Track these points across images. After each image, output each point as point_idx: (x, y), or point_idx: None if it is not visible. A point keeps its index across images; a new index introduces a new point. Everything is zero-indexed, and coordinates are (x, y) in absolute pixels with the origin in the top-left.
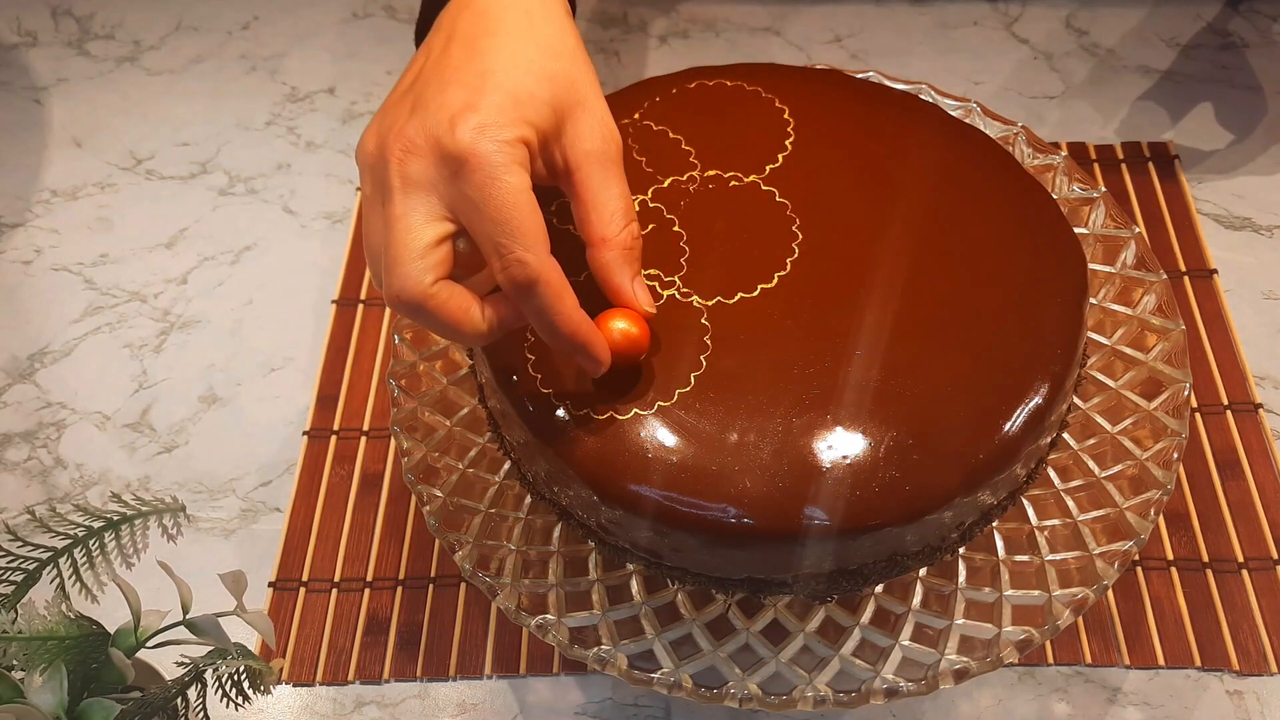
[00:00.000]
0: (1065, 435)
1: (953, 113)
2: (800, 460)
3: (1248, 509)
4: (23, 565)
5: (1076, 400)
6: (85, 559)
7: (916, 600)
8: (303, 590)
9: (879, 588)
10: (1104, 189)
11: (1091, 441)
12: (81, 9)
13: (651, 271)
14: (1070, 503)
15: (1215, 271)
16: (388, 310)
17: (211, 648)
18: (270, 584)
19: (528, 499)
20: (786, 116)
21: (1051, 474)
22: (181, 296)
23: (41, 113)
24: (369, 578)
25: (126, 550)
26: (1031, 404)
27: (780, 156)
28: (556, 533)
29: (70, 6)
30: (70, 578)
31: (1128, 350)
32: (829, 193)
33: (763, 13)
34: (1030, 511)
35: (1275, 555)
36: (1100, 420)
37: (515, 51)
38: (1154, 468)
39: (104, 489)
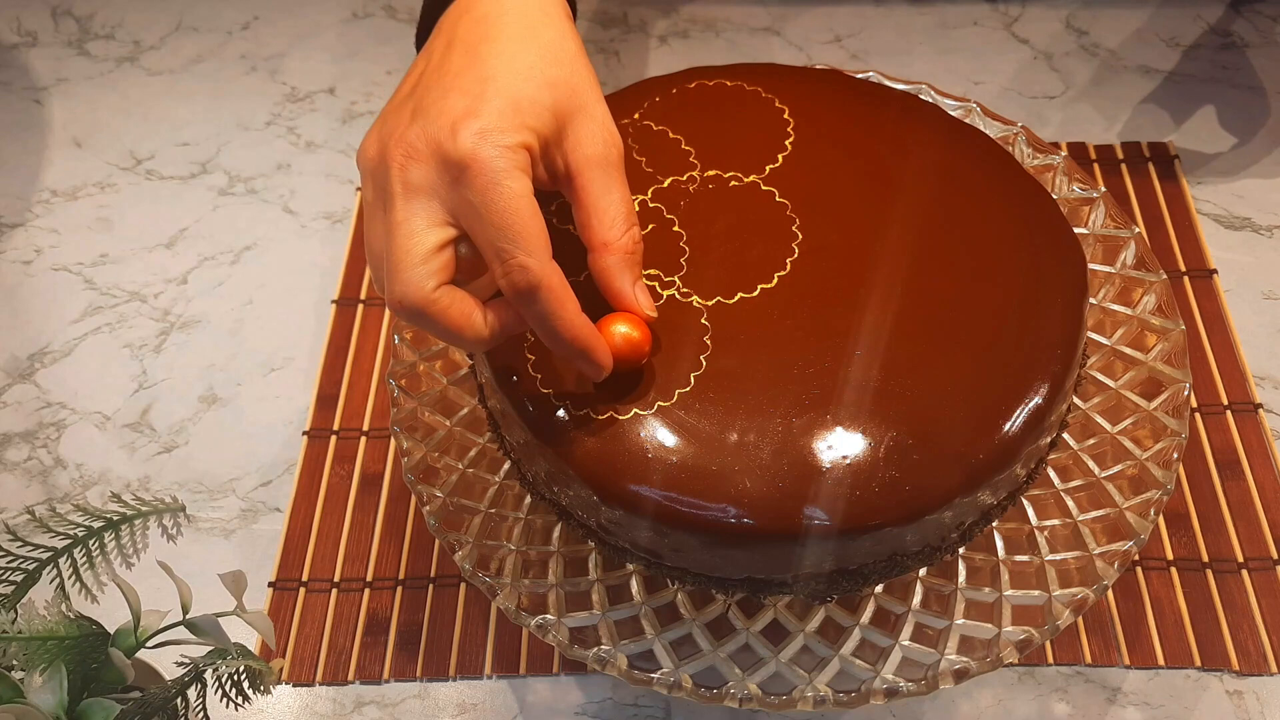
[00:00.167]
0: (1065, 435)
1: (953, 113)
2: (800, 460)
3: (1248, 509)
4: (23, 565)
5: (1076, 400)
6: (85, 559)
7: (916, 600)
8: (303, 590)
9: (879, 588)
10: (1104, 189)
11: (1091, 441)
12: (81, 9)
13: (651, 271)
14: (1070, 503)
15: (1215, 271)
16: (388, 310)
17: (211, 648)
18: (270, 584)
19: (528, 499)
20: (786, 116)
21: (1051, 474)
22: (181, 296)
23: (41, 113)
24: (369, 578)
25: (126, 550)
26: (1031, 404)
27: (780, 156)
28: (556, 533)
29: (70, 6)
30: (70, 578)
31: (1128, 350)
32: (829, 193)
33: (763, 13)
34: (1030, 511)
35: (1275, 555)
36: (1100, 420)
37: (516, 57)
38: (1154, 468)
39: (104, 489)
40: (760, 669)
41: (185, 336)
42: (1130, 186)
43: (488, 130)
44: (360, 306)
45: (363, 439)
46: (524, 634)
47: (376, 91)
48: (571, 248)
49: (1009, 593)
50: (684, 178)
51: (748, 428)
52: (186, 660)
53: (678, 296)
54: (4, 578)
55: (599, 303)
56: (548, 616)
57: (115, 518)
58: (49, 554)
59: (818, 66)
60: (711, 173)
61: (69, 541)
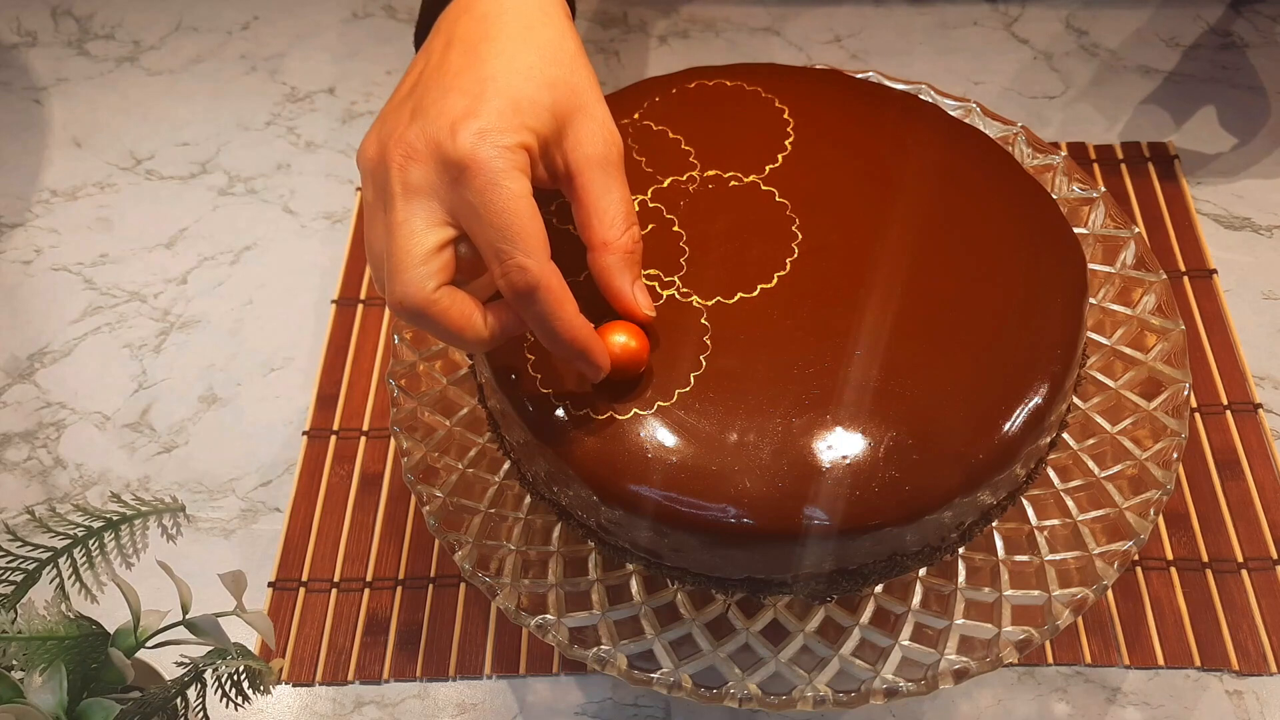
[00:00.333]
0: (1065, 435)
1: (952, 113)
2: (800, 460)
3: (1247, 509)
4: (22, 565)
5: (1076, 400)
6: (85, 559)
7: (916, 600)
8: (302, 590)
9: (879, 588)
10: (1104, 189)
11: (1091, 441)
12: (81, 9)
13: (651, 271)
14: (1070, 503)
15: (1215, 271)
16: (388, 310)
17: (211, 648)
18: (270, 584)
19: (527, 499)
20: (786, 116)
21: (1051, 474)
22: (181, 296)
23: (41, 113)
24: (369, 578)
25: (126, 550)
26: (1031, 404)
27: (780, 156)
28: (556, 533)
29: (70, 6)
30: (70, 578)
31: (1127, 350)
32: (829, 193)
33: (763, 13)
34: (1030, 511)
35: (1275, 555)
36: (1100, 420)
37: (515, 57)
38: (1154, 468)
39: (104, 489)
40: (760, 669)
41: (185, 336)
42: (1130, 186)
43: (487, 130)
44: (360, 306)
45: (363, 439)
46: (524, 634)
47: (376, 91)
48: (571, 248)
49: (1009, 593)
50: (684, 178)
51: (748, 428)
52: (186, 660)
53: (677, 296)
54: (4, 578)
55: (598, 304)
56: (547, 616)
57: (115, 518)
58: (49, 554)
59: (818, 66)
60: (711, 173)
61: (69, 541)
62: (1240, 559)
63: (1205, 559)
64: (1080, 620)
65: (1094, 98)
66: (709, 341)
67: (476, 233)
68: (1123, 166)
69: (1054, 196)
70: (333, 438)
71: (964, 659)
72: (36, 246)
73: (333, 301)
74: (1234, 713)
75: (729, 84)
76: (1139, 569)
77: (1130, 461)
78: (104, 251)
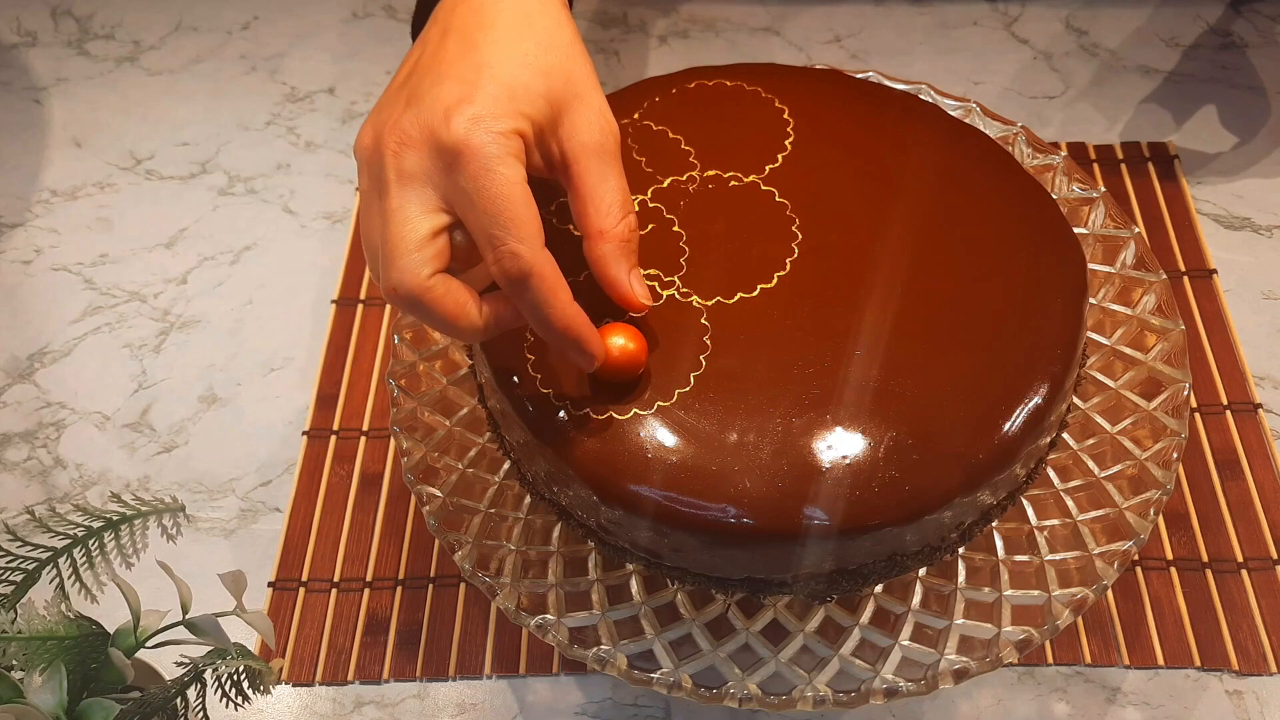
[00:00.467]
0: (1065, 435)
1: (952, 113)
2: (800, 460)
3: (1247, 509)
4: (22, 565)
5: (1076, 400)
6: (85, 559)
7: (916, 600)
8: (302, 590)
9: (879, 588)
10: (1104, 189)
11: (1091, 441)
12: (81, 9)
13: (651, 271)
14: (1070, 503)
15: (1215, 271)
16: (387, 310)
17: (211, 648)
18: (270, 584)
19: (527, 499)
20: (786, 116)
21: (1051, 474)
22: (181, 296)
23: (41, 113)
24: (368, 578)
25: (126, 550)
26: (1031, 404)
27: (780, 156)
28: (556, 533)
29: (70, 6)
30: (70, 578)
31: (1127, 350)
32: (829, 193)
33: (763, 13)
34: (1030, 511)
35: (1275, 555)
36: (1100, 420)
37: (511, 45)
38: (1154, 468)
39: (104, 489)
40: (760, 669)
41: (185, 336)
42: (1130, 186)
43: (481, 116)
44: (360, 306)
45: (362, 439)
46: (524, 634)
47: (376, 91)
48: (571, 248)
49: (1009, 593)
50: (684, 178)
51: (747, 428)
52: (186, 660)
53: (677, 296)
54: (4, 578)
55: (599, 304)
56: (547, 616)
57: (115, 518)
58: (49, 554)
59: (818, 66)
60: (711, 173)
61: (69, 541)
62: (1240, 559)
63: (1205, 559)
64: (1080, 620)
65: (1094, 98)
66: (709, 341)
67: (470, 219)
68: (1123, 166)
69: (1054, 196)
70: (333, 438)
71: (964, 659)
72: (36, 246)
73: (333, 301)
74: (1234, 713)
75: (729, 84)
76: (1139, 569)
77: (1130, 461)
78: (104, 251)
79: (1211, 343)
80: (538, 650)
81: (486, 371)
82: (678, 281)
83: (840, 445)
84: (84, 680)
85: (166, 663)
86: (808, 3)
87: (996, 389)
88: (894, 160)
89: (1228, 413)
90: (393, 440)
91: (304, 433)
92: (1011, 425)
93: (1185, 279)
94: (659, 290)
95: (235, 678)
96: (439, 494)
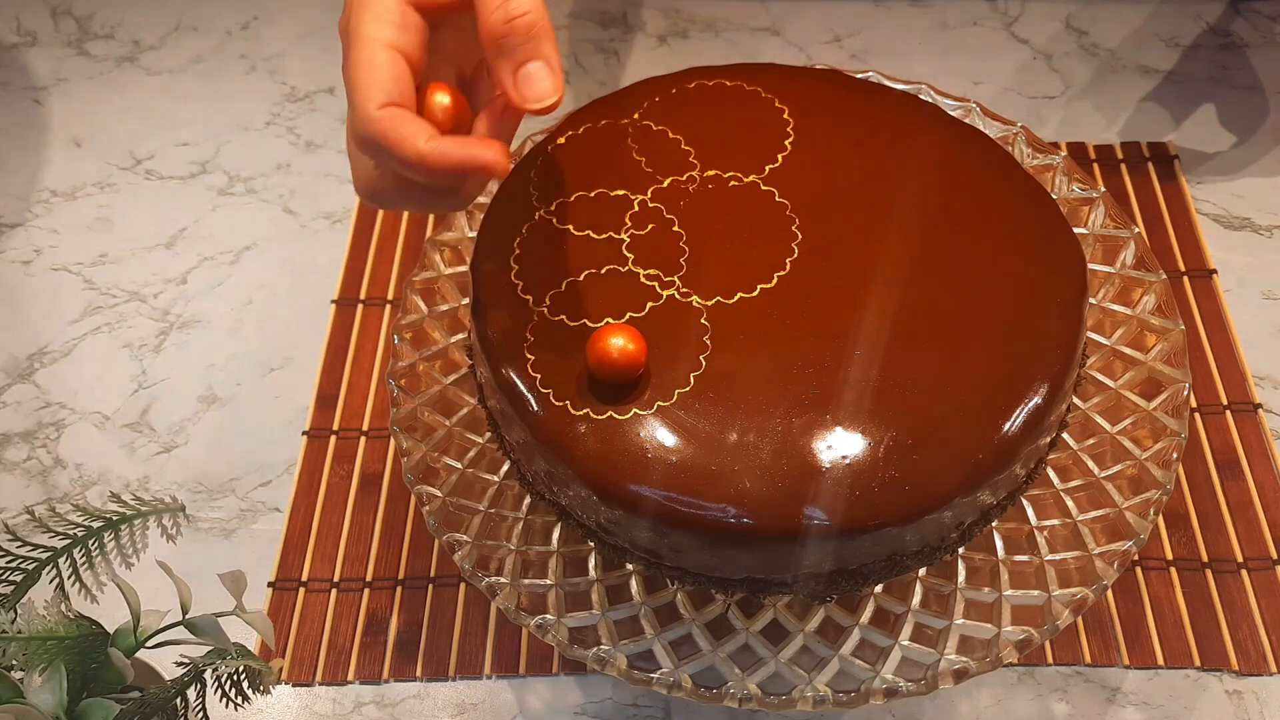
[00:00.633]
0: (1065, 435)
1: (952, 113)
2: (800, 460)
3: (1247, 509)
4: (22, 565)
5: (1076, 400)
6: (85, 559)
7: (916, 600)
8: (302, 590)
9: (879, 588)
10: (1103, 189)
11: (1091, 441)
12: (81, 9)
13: (651, 271)
14: (1070, 503)
15: (1215, 271)
16: (388, 310)
17: (211, 648)
18: (270, 584)
19: (527, 499)
20: (786, 116)
21: (1051, 474)
22: (181, 296)
23: (41, 113)
24: (368, 578)
25: (126, 550)
26: (1031, 404)
27: (780, 156)
28: (556, 533)
29: (70, 6)
30: (70, 578)
31: (1127, 350)
32: (829, 193)
33: (763, 13)
34: (1030, 511)
35: (1275, 555)
36: (1100, 420)
37: None
38: (1153, 468)
39: (103, 489)
40: (760, 669)
41: (185, 336)
42: (1130, 186)
43: None
44: (360, 306)
45: (362, 439)
46: (524, 634)
47: None
48: (571, 248)
49: (1009, 593)
50: (684, 178)
51: (747, 428)
52: (186, 660)
53: (677, 296)
54: (4, 578)
55: (599, 304)
56: (547, 616)
57: (115, 518)
58: (49, 554)
59: (818, 66)
60: (711, 173)
61: (69, 541)
62: (1240, 559)
63: (1205, 559)
64: (1080, 620)
65: (1094, 97)
66: (709, 341)
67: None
68: (1122, 166)
69: (1054, 196)
70: (332, 438)
71: (964, 659)
72: (36, 246)
73: (332, 301)
74: (1234, 713)
75: (729, 84)
76: (1139, 569)
77: (1130, 461)
78: (104, 251)
79: (1211, 343)
80: (537, 650)
81: (486, 371)
82: (678, 281)
83: (840, 445)
84: (84, 680)
85: (166, 663)
86: (808, 3)
87: (996, 389)
88: (894, 160)
89: (1228, 413)
90: (393, 440)
91: (304, 433)
92: (1011, 425)
93: (1185, 279)
94: (659, 290)
95: (235, 678)
96: (439, 494)
